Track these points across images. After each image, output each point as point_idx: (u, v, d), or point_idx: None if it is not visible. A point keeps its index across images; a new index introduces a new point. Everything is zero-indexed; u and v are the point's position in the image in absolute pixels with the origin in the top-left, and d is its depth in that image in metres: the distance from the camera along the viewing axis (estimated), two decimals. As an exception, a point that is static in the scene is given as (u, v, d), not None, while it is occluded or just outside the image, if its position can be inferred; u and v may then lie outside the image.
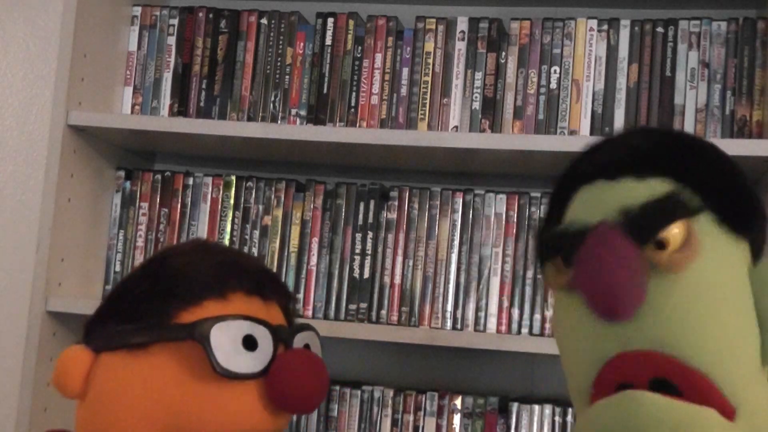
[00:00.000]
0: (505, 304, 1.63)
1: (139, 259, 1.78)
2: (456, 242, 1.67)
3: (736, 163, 0.87)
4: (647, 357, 0.77)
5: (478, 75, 1.69)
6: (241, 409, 0.93)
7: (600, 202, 0.83)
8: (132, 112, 1.81)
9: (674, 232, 0.79)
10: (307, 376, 0.93)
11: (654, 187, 0.81)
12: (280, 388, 0.92)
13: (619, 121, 1.63)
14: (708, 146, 0.88)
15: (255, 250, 1.72)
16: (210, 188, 1.77)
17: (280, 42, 1.77)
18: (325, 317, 1.69)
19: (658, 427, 0.72)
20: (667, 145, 0.86)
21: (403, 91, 1.71)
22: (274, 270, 1.70)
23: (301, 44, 1.76)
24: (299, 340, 0.99)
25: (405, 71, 1.72)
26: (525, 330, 1.61)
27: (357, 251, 1.70)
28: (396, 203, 1.69)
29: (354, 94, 1.73)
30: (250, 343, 0.93)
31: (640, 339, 0.77)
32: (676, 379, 0.76)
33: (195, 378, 0.93)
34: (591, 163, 0.87)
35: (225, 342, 0.92)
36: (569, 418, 1.58)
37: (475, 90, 1.69)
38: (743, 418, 0.76)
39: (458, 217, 1.67)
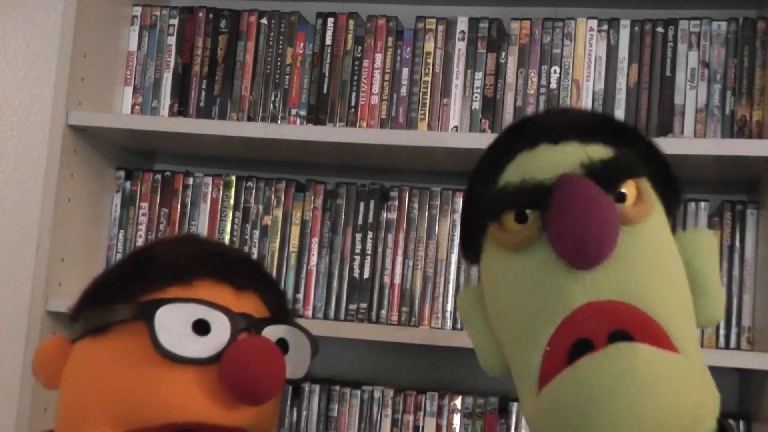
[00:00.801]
0: (505, 304, 1.63)
1: (139, 259, 1.78)
2: (456, 242, 1.67)
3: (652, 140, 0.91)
4: (613, 306, 0.77)
5: (478, 75, 1.69)
6: (189, 395, 0.86)
7: (551, 161, 0.82)
8: (132, 112, 1.81)
9: (631, 186, 0.82)
10: (256, 364, 0.85)
11: (599, 151, 0.83)
12: (225, 375, 0.85)
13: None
14: (637, 129, 0.92)
15: (255, 250, 1.72)
16: (210, 188, 1.77)
17: (280, 42, 1.77)
18: (325, 317, 1.69)
19: (655, 379, 0.72)
20: (604, 118, 0.91)
21: (403, 91, 1.71)
22: (274, 270, 1.70)
23: (301, 44, 1.76)
24: (270, 333, 0.92)
25: (405, 71, 1.72)
26: (525, 330, 1.61)
27: (357, 251, 1.70)
28: (396, 203, 1.70)
29: (354, 94, 1.73)
30: (202, 327, 0.88)
31: (606, 288, 0.77)
32: (636, 331, 0.75)
33: (142, 361, 0.88)
34: (531, 128, 0.87)
35: (172, 323, 0.87)
36: (569, 418, 1.58)
37: (475, 90, 1.69)
38: (693, 366, 0.77)
39: (458, 217, 1.67)
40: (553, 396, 0.75)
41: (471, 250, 0.91)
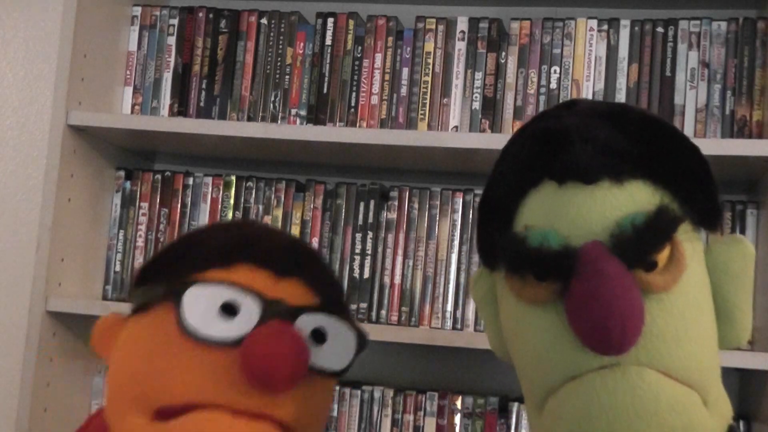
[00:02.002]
0: (505, 304, 1.63)
1: (139, 259, 1.78)
2: (456, 242, 1.67)
3: (699, 150, 0.83)
4: None
5: (478, 75, 1.69)
6: (210, 377, 0.84)
7: (578, 215, 0.76)
8: (132, 112, 1.81)
9: (664, 250, 0.76)
10: (271, 349, 0.82)
11: (634, 195, 0.77)
12: (241, 359, 0.83)
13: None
14: (676, 135, 0.83)
15: (255, 250, 1.72)
16: (210, 188, 1.77)
17: (280, 42, 1.77)
18: (325, 317, 1.69)
19: (657, 402, 0.72)
20: (642, 138, 0.80)
21: (403, 91, 1.71)
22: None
23: (301, 44, 1.76)
24: (306, 321, 0.89)
25: (405, 71, 1.72)
26: (525, 330, 1.61)
27: (357, 251, 1.70)
28: (396, 203, 1.70)
29: (354, 94, 1.73)
30: (230, 310, 0.86)
31: (626, 361, 0.73)
32: None
33: (169, 342, 0.87)
34: (562, 161, 0.78)
35: (200, 304, 0.86)
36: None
37: (475, 90, 1.69)
38: (711, 406, 0.77)
39: (458, 217, 1.67)
40: (558, 405, 0.76)
41: (487, 260, 0.86)
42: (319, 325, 0.90)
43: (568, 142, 0.79)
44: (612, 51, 1.65)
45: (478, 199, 1.67)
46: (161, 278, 0.92)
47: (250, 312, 0.87)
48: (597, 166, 0.77)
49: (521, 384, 0.83)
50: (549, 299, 0.76)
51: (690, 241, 0.78)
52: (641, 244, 0.74)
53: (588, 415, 0.72)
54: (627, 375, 0.72)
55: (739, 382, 1.68)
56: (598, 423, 0.72)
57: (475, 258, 1.65)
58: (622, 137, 0.79)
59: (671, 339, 0.75)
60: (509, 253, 0.78)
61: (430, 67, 1.71)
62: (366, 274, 1.69)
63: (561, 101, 1.64)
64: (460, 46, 1.70)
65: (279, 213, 1.73)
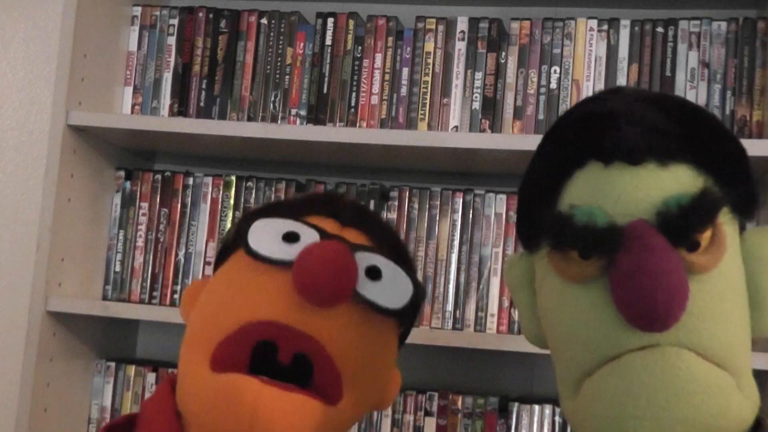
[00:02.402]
0: (505, 304, 1.63)
1: (139, 259, 1.78)
2: (456, 242, 1.67)
3: (739, 141, 0.84)
4: None
5: (478, 75, 1.69)
6: (269, 294, 0.89)
7: (625, 194, 0.77)
8: (132, 112, 1.81)
9: (707, 231, 0.77)
10: (320, 262, 0.86)
11: (679, 177, 0.78)
12: (293, 272, 0.87)
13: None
14: (718, 123, 0.85)
15: (255, 250, 1.72)
16: (210, 188, 1.77)
17: (280, 42, 1.77)
18: (325, 317, 1.69)
19: (697, 385, 0.74)
20: (687, 123, 0.81)
21: (403, 91, 1.71)
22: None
23: (301, 44, 1.76)
24: (363, 257, 0.92)
25: (405, 71, 1.72)
26: (525, 330, 1.61)
27: (357, 251, 1.70)
28: (396, 203, 1.70)
29: (354, 94, 1.73)
30: (291, 237, 0.92)
31: (666, 341, 0.75)
32: None
33: (237, 272, 0.93)
34: (609, 142, 0.79)
35: (265, 233, 0.92)
36: (569, 418, 1.59)
37: (475, 90, 1.69)
38: (743, 390, 0.78)
39: (458, 217, 1.67)
40: (595, 385, 0.77)
41: (527, 241, 0.87)
42: (375, 263, 0.93)
43: (614, 124, 0.80)
44: (612, 51, 1.65)
45: (478, 199, 1.67)
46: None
47: (310, 240, 0.91)
48: (643, 147, 0.78)
49: (556, 368, 0.84)
50: (593, 277, 0.77)
51: (730, 225, 0.80)
52: (686, 224, 0.75)
53: (627, 394, 0.74)
54: (666, 356, 0.74)
55: (739, 382, 1.68)
56: (637, 402, 0.74)
57: (475, 258, 1.65)
58: (667, 121, 0.81)
59: (710, 319, 0.76)
60: (555, 230, 0.79)
61: (430, 67, 1.71)
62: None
63: (561, 101, 1.64)
64: (460, 46, 1.70)
65: (279, 213, 1.73)
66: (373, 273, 0.92)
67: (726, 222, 0.79)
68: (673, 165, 0.79)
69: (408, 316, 0.97)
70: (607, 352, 0.76)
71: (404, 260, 0.99)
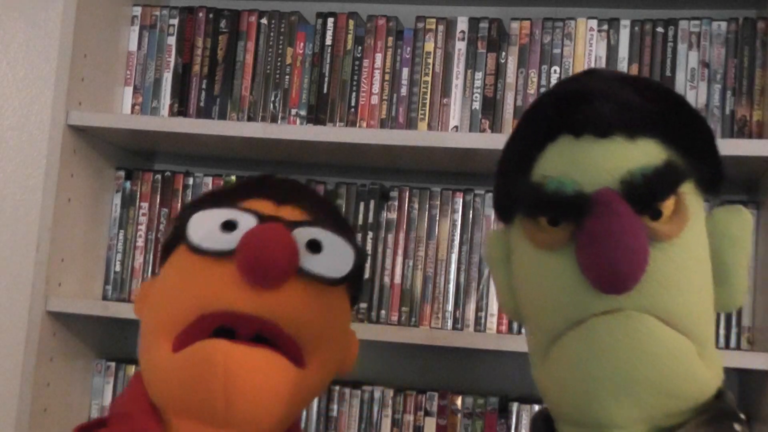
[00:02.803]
0: (505, 304, 1.63)
1: (139, 259, 1.78)
2: (456, 242, 1.67)
3: (706, 121, 0.88)
4: None
5: (478, 75, 1.69)
6: (215, 285, 0.92)
7: (593, 164, 0.81)
8: (132, 112, 1.81)
9: (669, 200, 0.81)
10: (261, 244, 0.89)
11: (646, 150, 0.81)
12: (236, 259, 0.91)
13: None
14: (686, 103, 0.88)
15: (255, 250, 1.72)
16: (210, 188, 1.77)
17: (280, 42, 1.77)
18: (325, 317, 1.68)
19: (659, 347, 0.77)
20: (657, 101, 0.85)
21: (403, 91, 1.71)
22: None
23: (301, 44, 1.76)
24: (301, 233, 0.95)
25: (405, 71, 1.72)
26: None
27: (357, 251, 1.70)
28: (396, 203, 1.70)
29: (354, 94, 1.73)
30: (229, 226, 0.95)
31: (629, 306, 0.78)
32: None
33: (182, 264, 0.96)
34: (579, 114, 0.83)
35: (203, 225, 0.95)
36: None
37: (475, 90, 1.69)
38: (706, 360, 0.81)
39: (458, 217, 1.67)
40: (562, 348, 0.80)
41: (503, 213, 0.91)
42: (315, 236, 0.97)
43: (586, 99, 0.83)
44: (612, 51, 1.65)
45: (478, 199, 1.67)
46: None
47: (247, 225, 0.94)
48: (612, 121, 0.81)
49: (527, 337, 0.88)
50: (561, 243, 0.80)
51: (693, 198, 0.83)
52: (649, 192, 0.79)
53: (591, 356, 0.77)
54: (630, 319, 0.77)
55: (739, 382, 1.68)
56: (601, 363, 0.77)
57: (475, 258, 1.65)
58: (637, 98, 0.84)
59: (672, 286, 0.79)
60: (527, 198, 0.83)
61: (430, 67, 1.71)
62: (366, 274, 1.69)
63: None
64: (460, 46, 1.70)
65: (279, 213, 1.73)
66: (314, 246, 0.96)
67: (689, 194, 0.83)
68: (641, 139, 0.82)
69: (354, 279, 1.01)
70: (573, 317, 0.79)
71: (343, 228, 1.02)
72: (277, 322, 0.91)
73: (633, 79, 0.90)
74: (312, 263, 0.94)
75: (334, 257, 0.97)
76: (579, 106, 0.83)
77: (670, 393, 0.79)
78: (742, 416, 0.84)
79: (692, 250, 0.82)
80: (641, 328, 0.77)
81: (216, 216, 0.96)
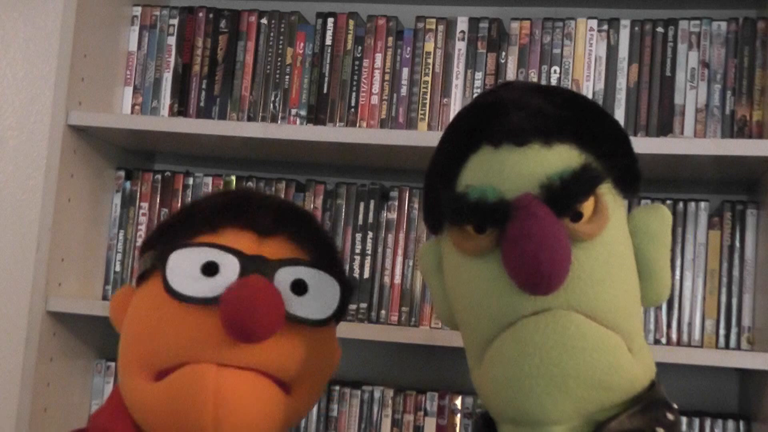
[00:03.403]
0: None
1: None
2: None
3: (619, 123, 0.91)
4: None
5: (478, 75, 1.69)
6: (196, 335, 0.89)
7: (512, 172, 0.84)
8: (132, 112, 1.81)
9: (588, 201, 0.84)
10: (245, 301, 0.86)
11: (562, 155, 0.84)
12: (220, 313, 0.87)
13: (619, 121, 1.63)
14: (598, 107, 0.92)
15: (255, 250, 1.72)
16: (210, 188, 1.77)
17: (280, 42, 1.77)
18: (325, 317, 1.68)
19: (586, 342, 0.80)
20: (569, 107, 0.88)
21: (403, 91, 1.71)
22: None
23: (301, 44, 1.76)
24: (286, 274, 0.93)
25: (405, 71, 1.72)
26: (525, 330, 1.61)
27: (357, 251, 1.70)
28: (396, 203, 1.69)
29: (354, 94, 1.73)
30: (210, 270, 0.91)
31: (556, 305, 0.81)
32: None
33: (160, 305, 0.92)
34: (497, 126, 0.86)
35: (183, 266, 0.91)
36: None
37: (475, 90, 1.69)
38: (636, 354, 0.84)
39: (458, 217, 1.67)
40: (494, 351, 0.83)
41: (432, 223, 0.93)
42: (299, 277, 0.94)
43: (503, 110, 0.87)
44: (612, 51, 1.65)
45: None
46: (156, 248, 0.97)
47: (229, 270, 0.91)
48: (528, 129, 0.85)
49: (464, 342, 0.91)
50: (488, 249, 0.83)
51: (612, 198, 0.86)
52: (568, 195, 0.82)
53: (522, 355, 0.80)
54: (557, 317, 0.80)
55: (739, 382, 1.68)
56: (532, 361, 0.79)
57: (475, 258, 1.65)
58: (551, 106, 0.87)
59: (597, 283, 0.82)
60: (451, 208, 0.85)
61: (430, 67, 1.71)
62: (366, 274, 1.69)
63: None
64: (460, 46, 1.70)
65: (279, 213, 1.73)
66: (299, 287, 0.94)
67: (607, 194, 0.85)
68: (557, 145, 0.85)
69: (339, 313, 0.99)
70: (504, 320, 0.82)
71: (329, 258, 1.00)
72: (262, 368, 0.90)
73: (545, 88, 0.94)
74: (297, 307, 0.92)
75: (320, 297, 0.95)
76: (495, 117, 0.87)
77: (601, 386, 0.81)
78: (674, 405, 0.88)
79: (614, 247, 0.85)
80: (569, 325, 0.80)
81: (194, 257, 0.92)
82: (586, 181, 0.83)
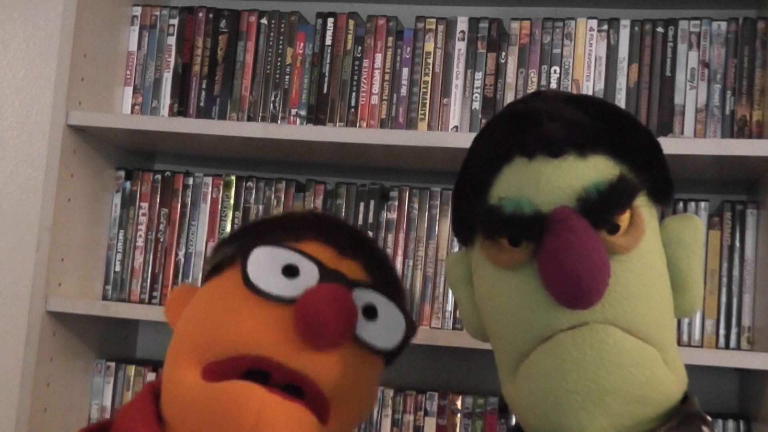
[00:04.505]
0: (505, 304, 1.63)
1: (139, 259, 1.78)
2: (456, 242, 1.67)
3: (653, 134, 0.91)
4: None
5: (478, 75, 1.69)
6: (263, 329, 0.89)
7: (548, 185, 0.83)
8: (132, 112, 1.81)
9: (624, 215, 0.83)
10: (321, 305, 0.87)
11: (597, 166, 0.84)
12: (294, 313, 0.88)
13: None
14: (631, 117, 0.90)
15: (255, 250, 1.72)
16: (210, 188, 1.77)
17: (280, 42, 1.77)
18: (325, 317, 1.68)
19: (623, 357, 0.79)
20: (603, 118, 0.87)
21: (403, 91, 1.71)
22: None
23: (301, 44, 1.76)
24: (360, 295, 0.93)
25: (405, 71, 1.72)
26: (525, 330, 1.61)
27: (357, 251, 1.70)
28: (396, 203, 1.69)
29: (354, 94, 1.73)
30: (291, 271, 0.92)
31: (592, 317, 0.80)
32: None
33: (233, 296, 0.92)
34: (531, 137, 0.85)
35: (263, 262, 0.92)
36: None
37: (475, 90, 1.69)
38: (669, 365, 0.84)
39: (458, 217, 1.67)
40: (531, 364, 0.82)
41: (463, 235, 0.93)
42: (372, 301, 0.94)
43: (536, 121, 0.86)
44: (612, 51, 1.65)
45: (478, 199, 1.67)
46: (234, 243, 0.98)
47: (309, 274, 0.92)
48: (563, 140, 0.84)
49: (496, 356, 0.89)
50: (523, 262, 0.83)
51: (647, 210, 0.86)
52: (605, 207, 0.81)
53: (559, 370, 0.79)
54: (594, 332, 0.79)
55: (739, 382, 1.68)
56: (570, 377, 0.79)
57: (475, 258, 1.65)
58: (585, 116, 0.87)
59: (633, 296, 0.82)
60: (485, 221, 0.85)
61: (430, 67, 1.71)
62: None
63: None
64: (460, 46, 1.70)
65: (279, 213, 1.73)
66: (370, 312, 0.94)
67: (643, 206, 0.85)
68: (592, 156, 0.84)
69: (398, 351, 0.99)
70: (540, 334, 0.81)
71: (398, 292, 1.00)
72: (315, 379, 0.90)
73: (578, 97, 0.93)
74: (366, 330, 0.93)
75: (387, 327, 0.95)
76: (529, 128, 0.86)
77: (638, 400, 0.80)
78: (708, 418, 0.87)
79: (650, 260, 0.84)
80: (607, 339, 0.79)
81: (278, 256, 0.93)
82: (623, 193, 0.82)
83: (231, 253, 0.96)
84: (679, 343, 1.57)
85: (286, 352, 0.89)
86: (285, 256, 0.93)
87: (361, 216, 1.70)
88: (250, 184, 1.76)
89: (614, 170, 0.83)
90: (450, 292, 1.66)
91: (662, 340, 0.83)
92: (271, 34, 1.78)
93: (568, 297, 0.78)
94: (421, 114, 1.70)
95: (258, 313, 0.90)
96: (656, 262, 0.85)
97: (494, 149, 0.88)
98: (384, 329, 0.95)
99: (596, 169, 0.83)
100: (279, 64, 1.76)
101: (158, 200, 1.79)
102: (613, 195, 0.81)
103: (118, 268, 1.80)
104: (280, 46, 1.77)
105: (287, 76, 1.76)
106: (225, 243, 1.01)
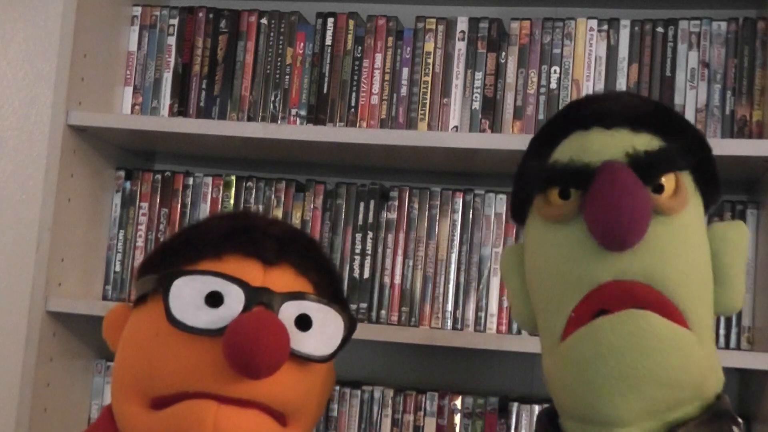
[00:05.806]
0: (505, 304, 1.63)
1: (139, 259, 1.78)
2: (456, 242, 1.67)
3: (705, 136, 0.95)
4: (636, 287, 0.83)
5: (478, 75, 1.69)
6: (197, 365, 0.87)
7: (600, 146, 0.87)
8: (132, 112, 1.81)
9: (670, 179, 0.87)
10: (251, 336, 0.84)
11: (648, 141, 0.88)
12: (223, 347, 0.85)
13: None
14: (686, 119, 0.96)
15: (255, 250, 1.72)
16: (210, 188, 1.77)
17: (280, 42, 1.77)
18: (325, 317, 1.68)
19: (661, 342, 0.81)
20: (660, 108, 0.93)
21: (403, 91, 1.71)
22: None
23: (301, 44, 1.76)
24: (291, 308, 0.91)
25: (405, 71, 1.72)
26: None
27: (357, 251, 1.70)
28: (396, 203, 1.69)
29: (354, 94, 1.73)
30: (215, 300, 0.89)
31: (632, 271, 0.83)
32: (652, 309, 0.82)
33: (160, 332, 0.90)
34: (587, 111, 0.91)
35: (185, 295, 0.89)
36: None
37: (475, 90, 1.69)
38: (703, 345, 0.85)
39: (458, 217, 1.67)
40: (569, 348, 0.84)
41: (518, 214, 0.96)
42: (305, 312, 0.93)
43: (595, 98, 0.95)
44: (612, 51, 1.65)
45: (478, 199, 1.67)
46: (156, 270, 0.95)
47: (234, 301, 0.89)
48: (617, 115, 0.90)
49: (540, 328, 0.92)
50: (571, 215, 0.86)
51: (692, 191, 0.89)
52: (652, 165, 0.85)
53: (597, 355, 0.81)
54: (633, 318, 0.81)
55: (739, 382, 1.68)
56: (607, 362, 0.80)
57: (475, 258, 1.65)
58: (643, 104, 0.94)
59: (672, 257, 0.84)
60: (539, 176, 0.90)
61: (430, 67, 1.71)
62: (366, 274, 1.69)
63: (561, 101, 1.64)
64: (460, 46, 1.70)
65: (279, 213, 1.73)
66: (303, 323, 0.92)
67: (689, 185, 0.89)
68: (644, 133, 0.89)
69: (342, 347, 0.97)
70: (584, 285, 0.84)
71: (332, 286, 0.98)
72: (262, 401, 0.89)
73: (640, 96, 1.02)
74: (301, 343, 0.91)
75: (324, 332, 0.93)
76: (587, 105, 0.93)
77: (673, 384, 0.82)
78: (740, 420, 0.88)
79: (692, 232, 0.87)
80: (644, 325, 0.80)
81: (199, 285, 0.90)
82: (669, 158, 0.86)
83: (152, 286, 0.93)
84: (679, 343, 1.57)
85: (225, 385, 0.87)
86: (207, 283, 0.90)
87: (361, 216, 1.70)
88: (250, 184, 1.76)
89: (663, 145, 0.88)
90: (450, 291, 1.66)
91: (695, 312, 0.85)
92: (271, 34, 1.78)
93: (608, 236, 0.81)
94: (421, 114, 1.70)
95: (189, 349, 0.88)
96: (699, 241, 0.87)
97: (554, 127, 0.93)
98: (320, 337, 0.93)
99: (646, 142, 0.87)
100: (279, 64, 1.76)
101: (158, 200, 1.79)
102: (660, 156, 0.86)
103: (118, 268, 1.80)
104: (280, 46, 1.77)
105: (287, 76, 1.76)
106: (147, 268, 0.98)
